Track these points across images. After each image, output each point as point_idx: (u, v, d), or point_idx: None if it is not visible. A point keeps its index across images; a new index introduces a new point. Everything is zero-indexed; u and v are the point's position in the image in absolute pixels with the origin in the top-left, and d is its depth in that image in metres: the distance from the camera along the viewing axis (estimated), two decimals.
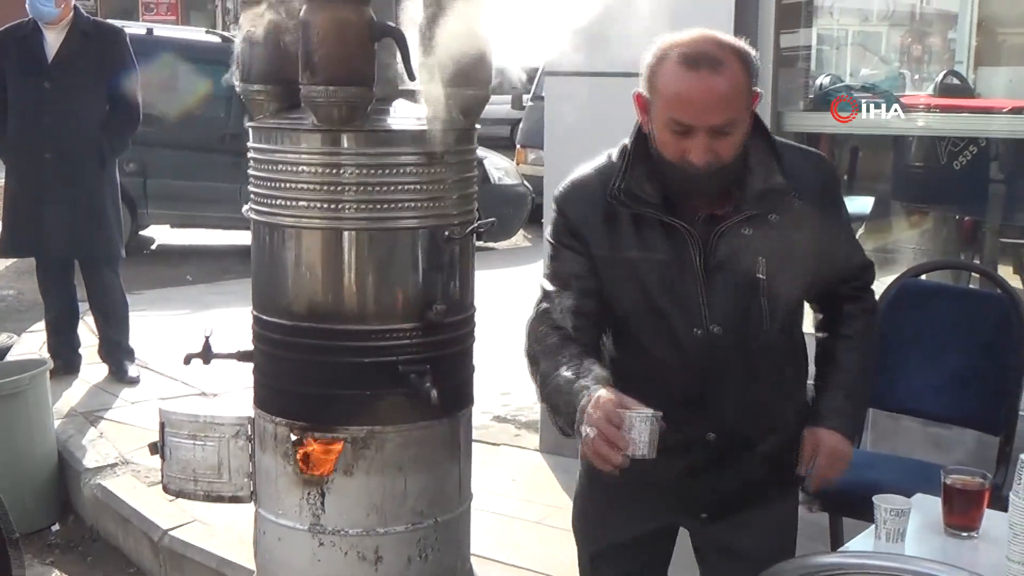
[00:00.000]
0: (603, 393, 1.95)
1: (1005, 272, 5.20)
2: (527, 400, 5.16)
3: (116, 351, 5.84)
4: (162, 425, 2.99)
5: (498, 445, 4.94)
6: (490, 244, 10.11)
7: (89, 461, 4.82)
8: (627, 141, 2.26)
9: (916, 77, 6.64)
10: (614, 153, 2.25)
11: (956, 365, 3.19)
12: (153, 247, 10.37)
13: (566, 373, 2.05)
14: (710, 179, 2.12)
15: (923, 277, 3.60)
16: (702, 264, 2.18)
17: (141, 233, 9.91)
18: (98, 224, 5.74)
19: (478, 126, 2.90)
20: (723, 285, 2.20)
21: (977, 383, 3.14)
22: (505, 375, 5.48)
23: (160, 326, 6.60)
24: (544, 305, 2.25)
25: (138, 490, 4.55)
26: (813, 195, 2.23)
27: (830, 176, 2.40)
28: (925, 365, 3.24)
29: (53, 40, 5.59)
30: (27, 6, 5.60)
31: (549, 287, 2.26)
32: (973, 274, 4.54)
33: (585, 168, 2.36)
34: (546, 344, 2.16)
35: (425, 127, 2.72)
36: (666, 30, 4.56)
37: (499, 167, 10.10)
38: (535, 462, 4.63)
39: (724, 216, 2.19)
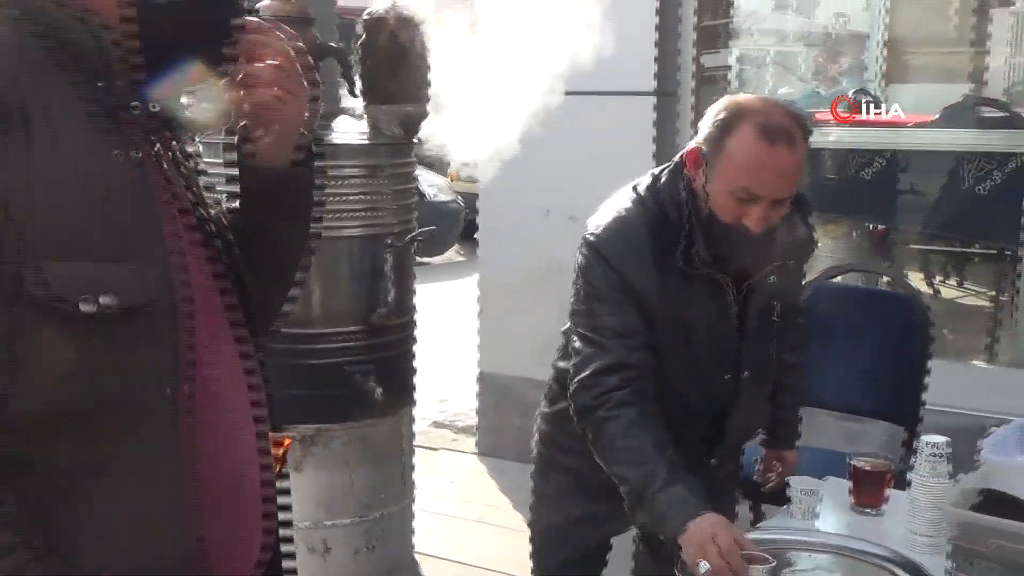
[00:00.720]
0: (722, 530, 1.94)
1: (915, 277, 5.43)
2: (463, 406, 5.28)
3: None
4: None
5: (436, 449, 5.05)
6: (424, 259, 10.19)
7: None
8: (651, 178, 2.24)
9: (830, 94, 6.79)
10: (642, 187, 2.21)
11: (866, 362, 3.29)
12: None
13: (657, 468, 2.01)
14: (758, 241, 2.12)
15: (837, 280, 3.74)
16: (738, 314, 2.24)
17: None
18: None
19: (417, 140, 2.98)
20: (754, 332, 2.27)
21: (885, 378, 3.24)
22: (442, 383, 5.60)
23: None
24: (604, 361, 2.13)
25: None
26: None
27: (810, 212, 2.43)
28: (838, 362, 3.33)
29: None
30: None
31: (606, 340, 2.16)
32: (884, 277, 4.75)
33: (618, 211, 2.24)
34: (620, 415, 2.08)
35: (366, 141, 2.81)
36: (592, 53, 4.67)
37: (433, 184, 10.19)
38: (472, 465, 4.74)
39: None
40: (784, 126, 2.07)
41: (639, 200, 2.19)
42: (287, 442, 2.71)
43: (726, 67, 5.02)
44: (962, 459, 2.23)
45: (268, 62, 1.25)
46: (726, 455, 2.36)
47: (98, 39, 1.22)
